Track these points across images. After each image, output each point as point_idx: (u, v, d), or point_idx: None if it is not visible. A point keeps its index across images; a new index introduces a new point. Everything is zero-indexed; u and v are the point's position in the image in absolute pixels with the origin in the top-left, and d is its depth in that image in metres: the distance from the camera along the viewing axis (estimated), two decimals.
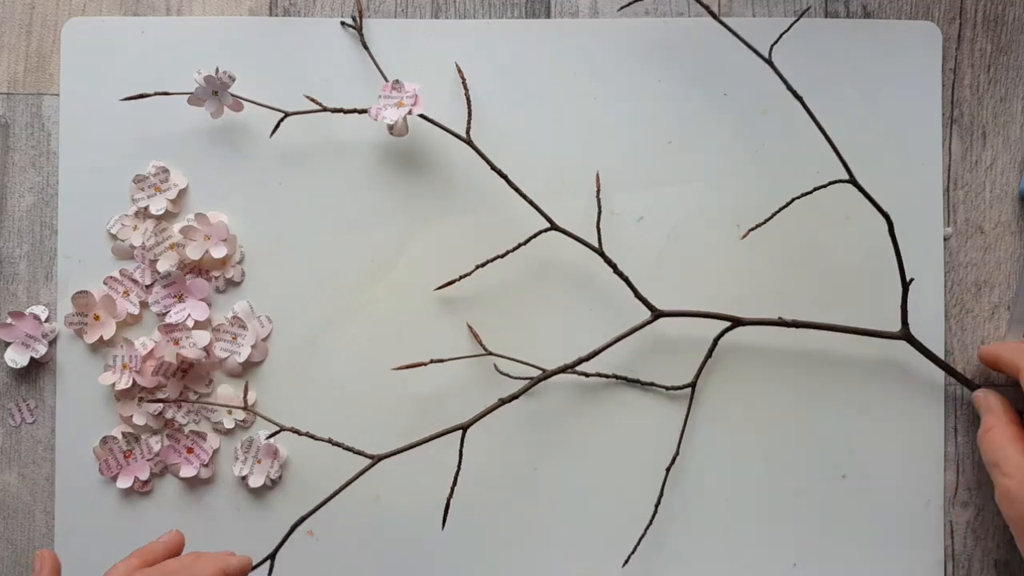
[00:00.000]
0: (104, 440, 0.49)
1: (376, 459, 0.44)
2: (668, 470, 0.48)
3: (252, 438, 0.49)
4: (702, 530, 0.49)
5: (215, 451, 0.50)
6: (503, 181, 0.48)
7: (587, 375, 0.48)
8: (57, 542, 0.49)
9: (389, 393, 0.50)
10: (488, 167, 0.47)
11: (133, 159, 0.50)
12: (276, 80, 0.50)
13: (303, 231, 0.50)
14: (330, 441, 0.45)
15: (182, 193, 0.50)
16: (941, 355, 0.49)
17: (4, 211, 0.51)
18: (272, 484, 0.49)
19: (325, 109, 0.47)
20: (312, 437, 0.45)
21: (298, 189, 0.50)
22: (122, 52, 0.50)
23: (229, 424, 0.49)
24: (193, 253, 0.49)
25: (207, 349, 0.48)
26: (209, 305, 0.50)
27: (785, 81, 0.45)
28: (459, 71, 0.48)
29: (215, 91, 0.47)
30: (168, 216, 0.50)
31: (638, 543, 0.48)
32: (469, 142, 0.47)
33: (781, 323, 0.47)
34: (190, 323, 0.49)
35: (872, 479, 0.49)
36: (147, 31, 0.51)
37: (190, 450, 0.49)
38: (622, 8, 0.48)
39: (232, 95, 0.48)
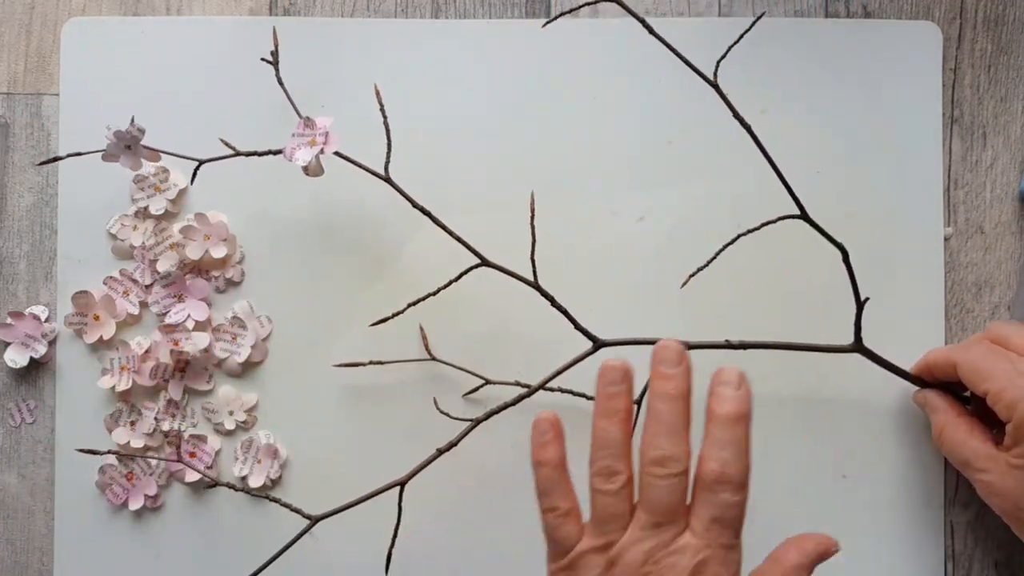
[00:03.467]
0: (102, 470, 0.49)
1: (313, 520, 0.44)
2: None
3: (252, 438, 0.49)
4: None
5: (217, 452, 0.49)
6: (501, 183, 0.48)
7: (528, 389, 0.45)
8: (57, 542, 0.49)
9: (389, 393, 0.50)
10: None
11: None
12: (276, 80, 0.50)
13: (303, 231, 0.50)
14: (268, 497, 0.45)
15: (182, 193, 0.50)
16: None
17: (4, 211, 0.51)
18: (272, 484, 0.49)
19: (239, 153, 0.46)
20: (250, 493, 0.47)
21: (298, 189, 0.50)
22: (122, 52, 0.50)
23: (230, 425, 0.49)
24: (193, 253, 0.49)
25: (207, 349, 0.48)
26: (209, 305, 0.50)
27: (729, 105, 0.42)
28: (377, 95, 0.45)
29: (128, 146, 0.45)
30: (168, 216, 0.50)
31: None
32: (388, 180, 0.45)
33: (727, 346, 0.45)
34: (190, 323, 0.49)
35: (872, 479, 0.49)
36: (147, 31, 0.50)
37: (192, 454, 0.49)
38: (546, 24, 0.46)
39: (145, 147, 0.46)
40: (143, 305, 0.50)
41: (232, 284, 0.50)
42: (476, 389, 0.48)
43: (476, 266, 0.45)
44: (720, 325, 0.49)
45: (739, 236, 0.43)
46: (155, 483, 0.49)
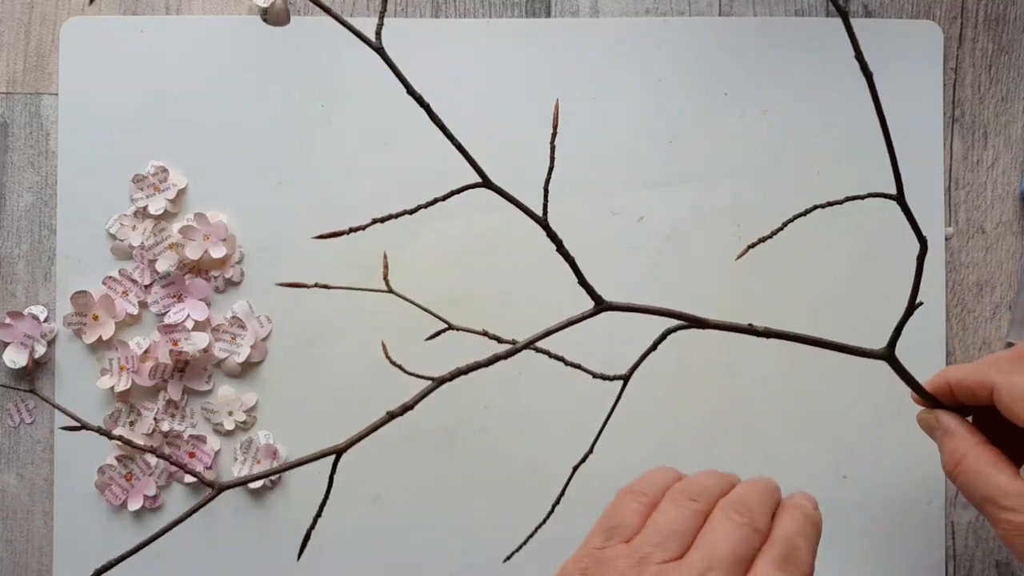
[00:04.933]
0: (101, 470, 0.49)
1: (217, 489, 0.36)
2: (575, 469, 0.43)
3: (251, 439, 0.49)
4: None
5: (216, 453, 0.49)
6: (501, 183, 0.47)
7: (500, 353, 0.39)
8: (56, 543, 0.49)
9: (389, 393, 0.50)
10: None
11: (132, 159, 0.50)
12: (276, 80, 0.50)
13: (303, 231, 0.50)
14: (174, 463, 0.37)
15: (181, 193, 0.50)
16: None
17: (3, 211, 0.51)
18: (271, 485, 0.49)
19: None
20: (162, 457, 0.36)
21: (298, 189, 0.50)
22: (121, 52, 0.50)
23: (229, 426, 0.49)
24: (192, 253, 0.49)
25: (206, 349, 0.48)
26: (208, 305, 0.50)
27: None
28: None
29: None
30: (167, 216, 0.50)
31: (525, 541, 0.44)
32: (379, 49, 0.38)
33: (751, 331, 0.40)
34: (189, 323, 0.49)
35: (873, 479, 0.49)
36: (146, 31, 0.50)
37: (192, 454, 0.49)
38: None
39: None
40: (142, 305, 0.50)
41: (231, 284, 0.50)
42: (437, 335, 0.42)
43: (477, 185, 0.39)
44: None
45: (816, 207, 0.39)
46: (154, 483, 0.49)
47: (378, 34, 0.38)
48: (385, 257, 0.43)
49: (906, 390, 0.49)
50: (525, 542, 0.42)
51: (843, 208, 0.49)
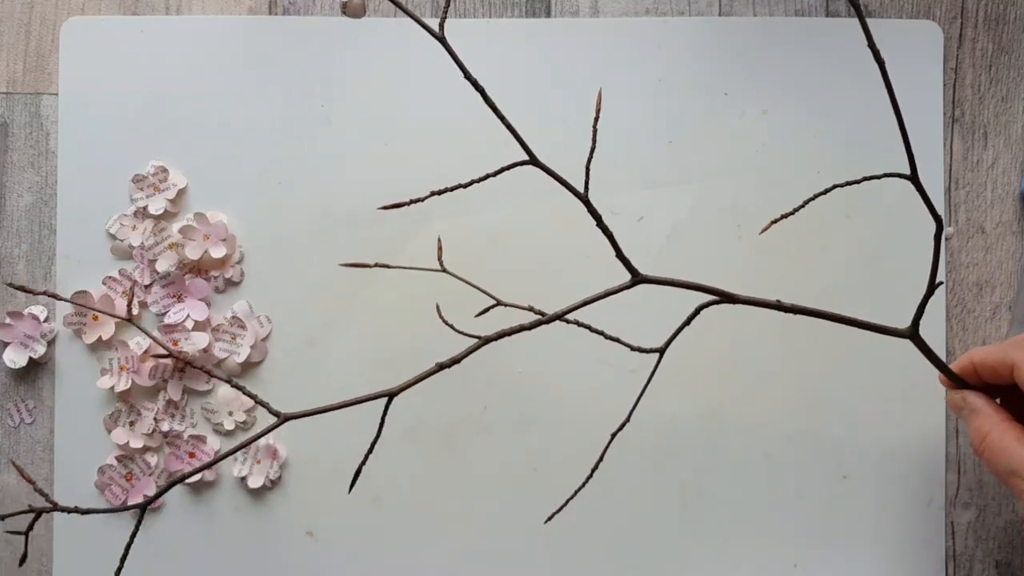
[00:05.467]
0: (101, 470, 0.49)
1: (283, 418, 0.40)
2: (613, 436, 0.43)
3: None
4: (702, 531, 0.49)
5: (216, 453, 0.49)
6: (501, 182, 0.47)
7: (543, 317, 0.41)
8: (56, 543, 0.49)
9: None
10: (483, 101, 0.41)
11: (132, 159, 0.50)
12: (276, 80, 0.50)
13: (303, 231, 0.50)
14: (236, 386, 0.41)
15: (181, 193, 0.50)
16: (942, 355, 0.49)
17: (3, 211, 0.51)
18: (271, 485, 0.49)
19: None
20: (209, 374, 0.41)
21: (298, 189, 0.50)
22: (121, 52, 0.50)
23: (229, 426, 0.49)
24: (192, 253, 0.49)
25: (206, 349, 0.48)
26: (208, 305, 0.50)
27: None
28: None
29: None
30: (167, 216, 0.50)
31: (565, 503, 0.43)
32: (442, 39, 0.40)
33: (779, 307, 0.42)
34: (189, 323, 0.49)
35: (873, 479, 0.49)
36: (146, 31, 0.50)
37: (192, 455, 0.49)
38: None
39: None
40: (142, 305, 0.50)
41: (231, 284, 0.50)
42: (487, 310, 0.43)
43: (524, 162, 0.41)
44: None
45: (835, 186, 0.40)
46: (154, 483, 0.49)
47: (441, 26, 0.40)
48: (440, 240, 0.45)
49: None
50: (565, 504, 0.43)
51: (843, 208, 0.50)
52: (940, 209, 0.50)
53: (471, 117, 0.50)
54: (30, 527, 0.40)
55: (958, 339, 0.50)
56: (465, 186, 0.40)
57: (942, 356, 0.49)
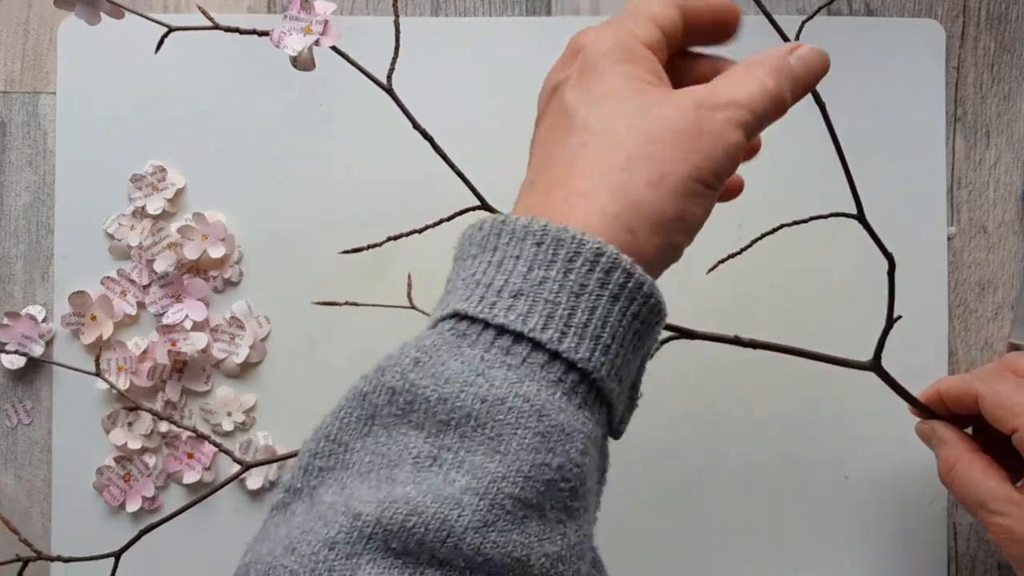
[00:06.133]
0: (100, 471, 0.49)
1: (246, 466, 0.42)
2: None
3: (250, 439, 0.49)
4: (703, 532, 0.49)
5: (215, 454, 0.49)
6: (501, 183, 0.47)
7: None
8: (54, 544, 0.49)
9: None
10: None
11: (130, 158, 0.50)
12: (275, 79, 0.50)
13: (302, 231, 0.50)
14: (207, 438, 0.43)
15: (179, 192, 0.50)
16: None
17: (1, 211, 0.50)
18: (270, 485, 0.49)
19: (217, 26, 0.41)
20: (180, 426, 0.44)
21: (297, 189, 0.50)
22: (119, 51, 0.50)
23: (228, 426, 0.49)
24: (191, 253, 0.49)
25: (205, 349, 0.48)
26: (207, 305, 0.49)
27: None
28: (394, 6, 0.40)
29: None
30: (165, 216, 0.50)
31: None
32: (389, 90, 0.41)
33: (736, 342, 0.42)
34: (188, 323, 0.48)
35: (875, 480, 0.49)
36: (144, 30, 0.50)
37: (190, 455, 0.49)
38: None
39: (109, 1, 0.41)
40: (140, 305, 0.50)
41: (230, 284, 0.50)
42: None
43: (475, 208, 0.42)
44: (721, 328, 0.49)
45: (782, 226, 0.41)
46: (152, 484, 0.49)
47: (389, 77, 0.41)
48: (409, 277, 0.47)
49: (908, 388, 0.49)
50: None
51: (843, 208, 0.49)
52: (942, 209, 0.50)
53: (471, 117, 0.50)
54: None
55: (960, 339, 0.50)
56: (420, 231, 0.43)
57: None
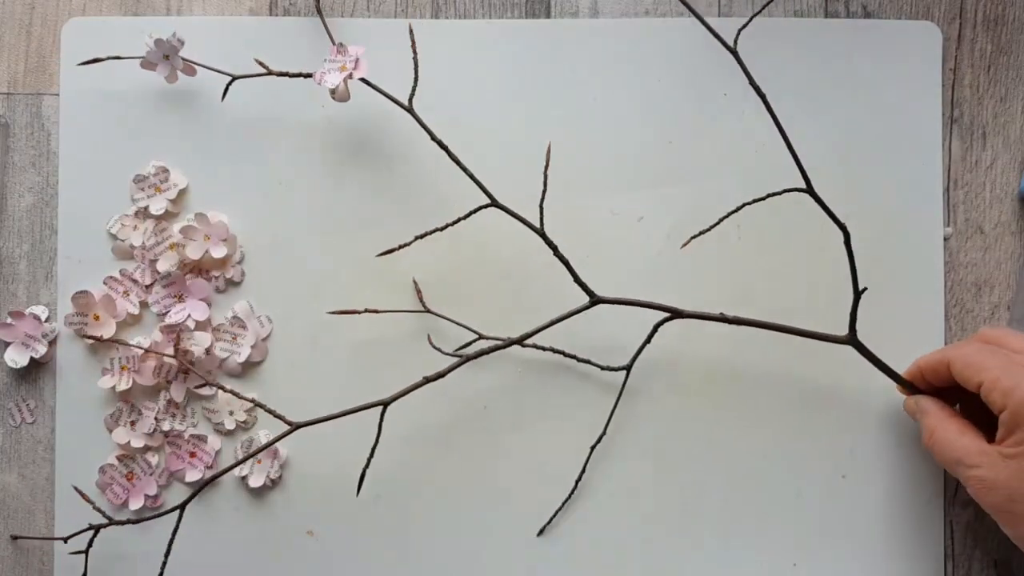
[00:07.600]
0: (102, 470, 0.49)
1: (294, 426, 0.45)
2: (592, 448, 0.48)
3: (252, 438, 0.49)
4: (702, 531, 0.49)
5: (217, 452, 0.50)
6: (501, 183, 0.48)
7: (511, 344, 0.46)
8: (57, 543, 0.49)
9: (390, 393, 0.50)
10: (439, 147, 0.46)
11: (133, 159, 0.50)
12: (276, 80, 0.50)
13: (303, 231, 0.50)
14: (253, 402, 0.46)
15: (182, 193, 0.50)
16: None
17: (4, 211, 0.51)
18: (272, 484, 0.49)
19: (271, 72, 0.47)
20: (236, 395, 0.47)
21: (298, 189, 0.50)
22: (122, 52, 0.50)
23: (230, 425, 0.49)
24: (193, 253, 0.49)
25: (207, 350, 0.49)
26: (209, 305, 0.50)
27: (748, 74, 0.43)
28: (411, 34, 0.46)
29: (166, 55, 0.48)
30: (168, 216, 0.50)
31: (554, 514, 0.49)
32: (410, 110, 0.46)
33: (722, 319, 0.45)
34: (190, 323, 0.49)
35: (872, 479, 0.49)
36: (147, 31, 0.50)
37: (192, 454, 0.49)
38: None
39: (183, 59, 0.48)
40: (143, 305, 0.50)
41: (232, 284, 0.50)
42: (470, 343, 0.48)
43: (485, 206, 0.45)
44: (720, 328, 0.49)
45: (744, 205, 0.43)
46: (155, 483, 0.49)
47: (410, 100, 0.46)
48: (415, 283, 0.49)
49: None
50: (557, 512, 0.49)
51: (841, 208, 0.50)
52: (939, 210, 0.50)
53: (471, 117, 0.51)
54: (90, 544, 0.46)
55: (957, 339, 0.50)
56: (441, 229, 0.45)
57: (886, 362, 0.49)
